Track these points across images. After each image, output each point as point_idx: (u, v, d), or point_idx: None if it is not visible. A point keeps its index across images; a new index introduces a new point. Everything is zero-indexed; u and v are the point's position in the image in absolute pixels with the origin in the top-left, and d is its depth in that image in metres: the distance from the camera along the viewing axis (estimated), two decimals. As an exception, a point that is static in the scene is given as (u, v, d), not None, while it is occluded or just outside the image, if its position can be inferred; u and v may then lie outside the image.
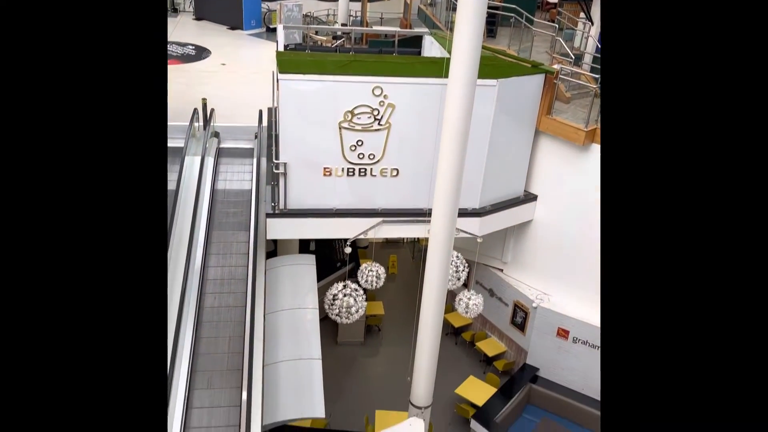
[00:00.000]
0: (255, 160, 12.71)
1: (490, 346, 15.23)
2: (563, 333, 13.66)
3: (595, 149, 12.20)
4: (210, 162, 12.47)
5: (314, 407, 9.45)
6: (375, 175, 11.58)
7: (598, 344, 13.23)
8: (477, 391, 13.69)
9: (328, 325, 14.86)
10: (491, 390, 13.70)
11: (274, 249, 14.41)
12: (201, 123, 13.33)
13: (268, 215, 11.45)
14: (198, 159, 12.12)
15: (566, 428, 13.17)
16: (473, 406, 13.42)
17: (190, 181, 11.64)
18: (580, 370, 13.70)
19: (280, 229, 11.68)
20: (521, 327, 14.52)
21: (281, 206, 11.51)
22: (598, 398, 13.48)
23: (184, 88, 15.94)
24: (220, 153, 13.06)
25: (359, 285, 11.36)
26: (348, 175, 11.46)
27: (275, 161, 11.18)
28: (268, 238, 11.67)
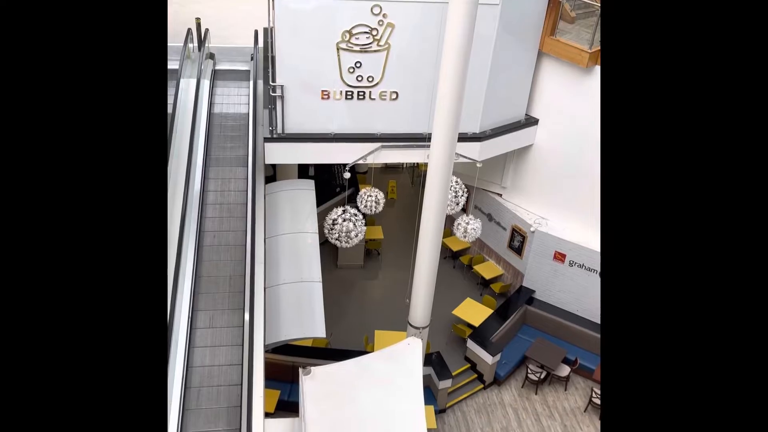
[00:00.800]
0: (251, 82, 12.45)
1: (488, 269, 15.50)
2: (560, 257, 13.86)
3: (599, 71, 11.94)
4: (206, 85, 12.23)
5: (315, 327, 9.71)
6: (374, 99, 11.38)
7: (594, 268, 13.47)
8: (474, 312, 14.04)
9: (328, 249, 15.05)
10: (488, 311, 14.05)
11: (273, 174, 14.38)
12: (195, 44, 12.97)
13: (266, 140, 11.35)
14: (193, 82, 11.87)
15: (560, 347, 13.62)
16: (470, 326, 13.81)
17: (186, 104, 11.45)
18: (575, 293, 14.00)
19: (279, 153, 11.61)
20: (518, 251, 14.72)
21: (279, 130, 11.39)
22: (592, 319, 13.89)
23: (177, 7, 15.42)
24: (215, 75, 12.78)
25: (358, 210, 11.42)
26: (346, 98, 11.26)
27: (272, 84, 10.96)
28: (266, 162, 11.61)
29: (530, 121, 13.19)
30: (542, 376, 13.19)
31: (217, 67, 13.00)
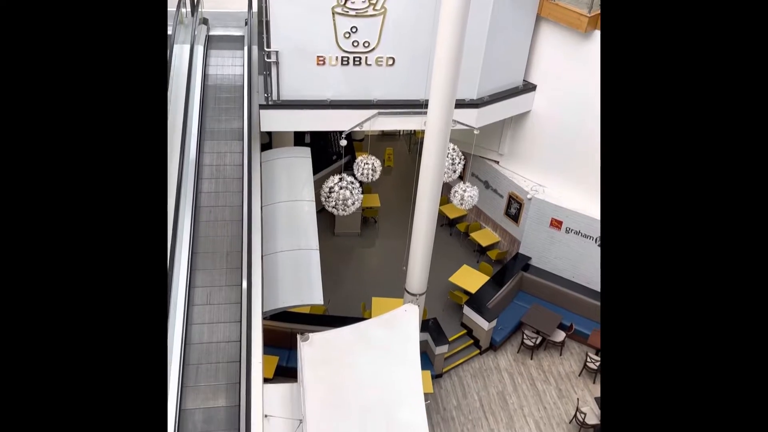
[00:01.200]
0: (246, 48, 12.26)
1: (484, 237, 15.55)
2: (556, 223, 13.90)
3: (598, 37, 11.78)
4: (200, 51, 12.04)
5: (313, 295, 9.77)
6: (370, 65, 11.24)
7: (590, 234, 13.52)
8: (470, 279, 14.14)
9: (325, 217, 15.05)
10: (484, 278, 14.15)
11: (268, 141, 14.28)
12: (188, 9, 12.72)
13: (262, 106, 11.23)
14: (187, 47, 11.68)
15: (556, 313, 13.77)
16: (466, 293, 13.92)
17: (180, 71, 11.29)
18: (571, 259, 14.09)
19: (274, 120, 11.51)
20: (515, 218, 14.75)
21: (274, 97, 11.26)
22: (588, 285, 14.01)
23: (168, -30, 15.06)
24: (209, 41, 12.57)
25: (355, 178, 11.38)
26: (342, 64, 11.12)
27: (267, 50, 10.80)
28: (262, 130, 11.52)
29: (528, 87, 13.07)
30: (538, 342, 13.36)
31: (211, 33, 12.79)
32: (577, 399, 12.45)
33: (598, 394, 12.62)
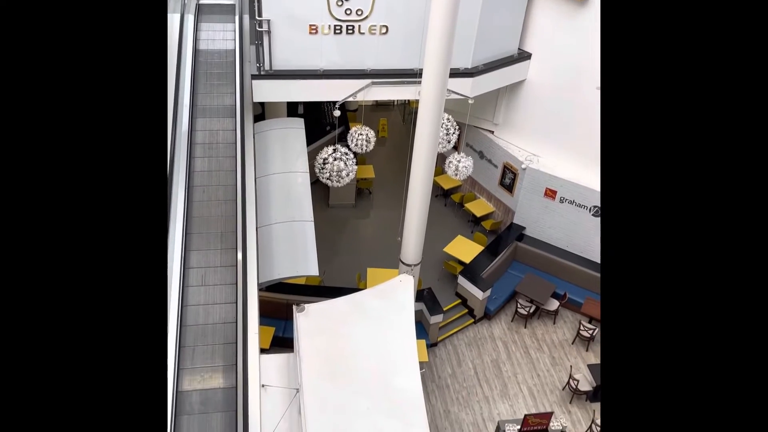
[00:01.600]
0: (237, 17, 12.05)
1: (479, 207, 15.58)
2: (551, 193, 13.92)
3: (594, 4, 11.63)
4: (190, 20, 11.83)
5: (308, 266, 9.79)
6: (363, 33, 11.08)
7: (584, 204, 13.56)
8: (465, 249, 14.20)
9: (319, 189, 15.03)
10: (478, 248, 14.21)
11: (261, 112, 14.15)
12: (177, -24, 12.46)
13: (254, 77, 11.10)
14: (177, 17, 11.47)
15: (549, 282, 13.88)
16: (461, 263, 13.99)
17: (170, 40, 11.11)
18: (565, 228, 14.14)
19: (267, 91, 11.39)
20: (509, 188, 14.76)
21: (266, 67, 11.12)
22: (581, 255, 14.09)
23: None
24: (200, 10, 12.34)
25: (349, 149, 11.32)
26: (335, 33, 10.96)
27: (258, 18, 10.62)
28: (254, 100, 11.40)
29: (523, 56, 12.95)
30: (531, 311, 13.49)
31: (201, 1, 12.54)
32: (570, 366, 12.64)
33: (591, 362, 12.81)
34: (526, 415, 10.08)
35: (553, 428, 10.22)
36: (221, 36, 12.04)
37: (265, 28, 10.61)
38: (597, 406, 12.01)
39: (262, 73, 11.12)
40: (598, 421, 11.19)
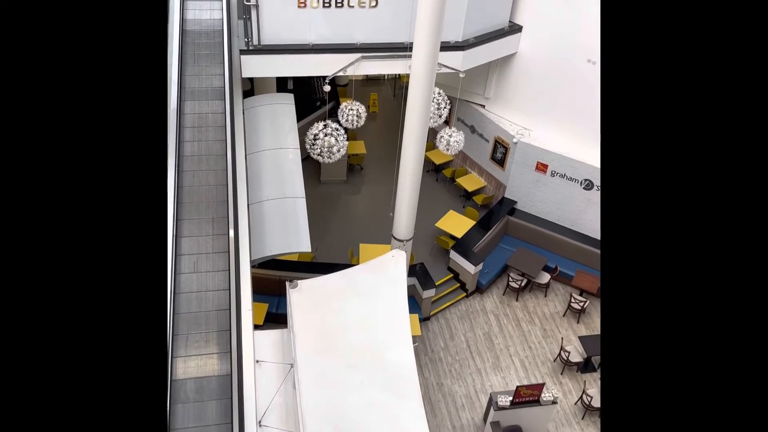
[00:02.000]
0: (224, -9, 11.86)
1: (470, 182, 15.58)
2: (542, 167, 13.93)
3: (586, -26, 11.51)
4: (176, -6, 11.62)
5: (300, 242, 9.80)
6: (353, 6, 10.94)
7: (575, 177, 13.59)
8: (456, 224, 14.24)
9: (310, 165, 14.96)
10: (470, 223, 14.25)
11: (250, 88, 14.01)
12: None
13: (242, 52, 10.95)
14: (162, -9, 11.24)
15: (541, 256, 13.97)
16: (453, 238, 14.04)
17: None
18: (556, 202, 14.20)
19: (256, 66, 11.25)
20: (501, 162, 14.75)
21: (255, 42, 10.97)
22: (572, 228, 14.16)
23: None
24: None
25: (340, 124, 11.24)
26: (324, 5, 10.81)
27: (246, -8, 10.45)
28: (243, 76, 11.27)
29: (514, 29, 12.84)
30: (523, 284, 13.60)
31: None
32: (562, 338, 12.79)
33: (582, 333, 12.97)
34: (518, 387, 10.22)
35: (544, 399, 10.37)
36: (208, 9, 11.86)
37: (253, 2, 10.44)
38: (588, 377, 12.20)
39: (251, 48, 10.98)
40: (590, 392, 11.38)
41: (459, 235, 13.91)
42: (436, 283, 13.09)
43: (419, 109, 9.76)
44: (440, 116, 11.73)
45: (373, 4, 10.94)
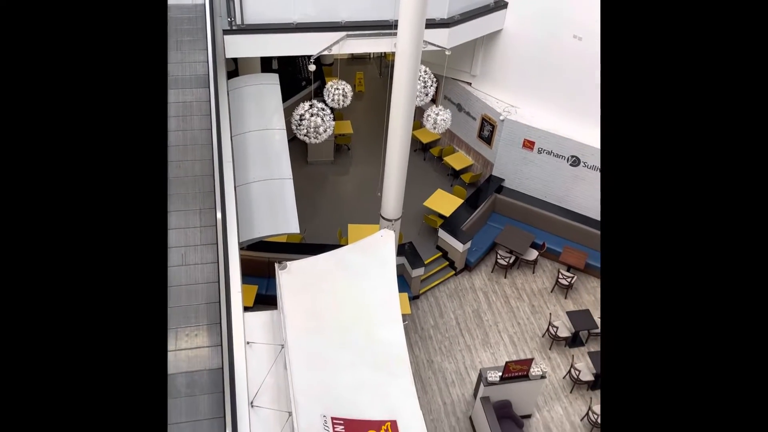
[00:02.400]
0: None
1: (458, 160, 15.58)
2: (529, 144, 13.95)
3: (571, -51, 11.43)
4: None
5: (288, 223, 9.77)
6: (337, -16, 10.79)
7: (562, 154, 13.62)
8: (444, 202, 14.26)
9: (297, 146, 14.86)
10: (458, 201, 14.28)
11: (234, 69, 13.83)
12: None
13: (225, 32, 10.80)
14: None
15: (528, 233, 14.05)
16: (441, 216, 14.07)
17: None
18: (543, 179, 14.24)
19: (239, 46, 11.10)
20: (488, 140, 14.74)
21: (238, 21, 10.81)
22: (559, 204, 14.24)
23: None
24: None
25: (326, 104, 11.16)
26: (307, -16, 10.66)
27: (227, -30, 10.28)
28: (227, 56, 11.12)
29: (500, 5, 12.75)
30: (511, 261, 13.70)
31: (166, -47, 12.05)
32: (550, 314, 12.93)
33: (570, 309, 13.11)
34: (507, 362, 10.34)
35: (533, 374, 10.51)
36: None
37: (234, -20, 10.27)
38: (576, 352, 12.36)
39: (234, 28, 10.82)
40: (578, 366, 11.54)
41: (447, 213, 13.95)
42: (425, 262, 13.15)
43: (405, 88, 9.71)
44: (427, 94, 11.66)
45: (358, -19, 10.80)
